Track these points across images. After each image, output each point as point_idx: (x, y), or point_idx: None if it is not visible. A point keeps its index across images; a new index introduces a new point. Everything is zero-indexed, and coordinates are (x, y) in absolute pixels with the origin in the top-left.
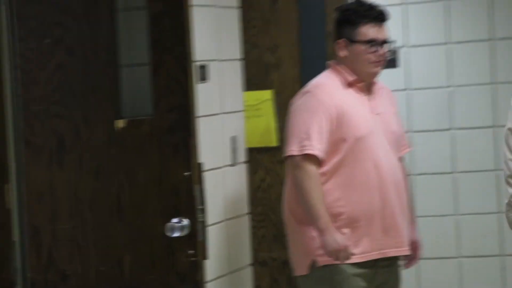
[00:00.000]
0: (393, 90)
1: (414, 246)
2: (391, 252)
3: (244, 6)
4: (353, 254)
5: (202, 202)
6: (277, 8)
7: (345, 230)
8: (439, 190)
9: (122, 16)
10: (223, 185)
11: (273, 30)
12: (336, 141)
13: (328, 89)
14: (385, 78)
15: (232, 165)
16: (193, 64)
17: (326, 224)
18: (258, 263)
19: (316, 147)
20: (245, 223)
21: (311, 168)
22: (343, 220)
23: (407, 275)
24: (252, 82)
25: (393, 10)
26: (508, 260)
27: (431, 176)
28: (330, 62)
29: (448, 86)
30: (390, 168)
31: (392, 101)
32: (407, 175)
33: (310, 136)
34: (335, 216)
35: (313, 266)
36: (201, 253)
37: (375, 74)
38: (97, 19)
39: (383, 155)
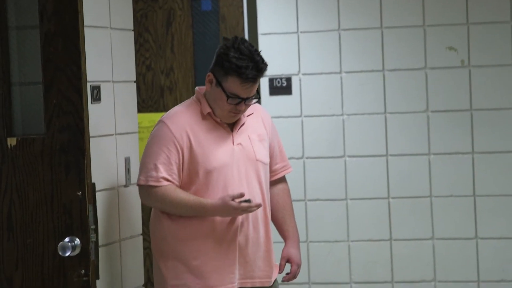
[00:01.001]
0: (287, 117)
1: (291, 261)
2: (247, 284)
3: (139, 29)
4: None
5: (95, 222)
6: (172, 32)
7: (195, 263)
8: (331, 216)
9: (14, 35)
10: (116, 205)
11: (168, 54)
12: (190, 173)
13: (183, 119)
14: (279, 104)
15: (125, 186)
16: (86, 84)
17: (201, 204)
18: (150, 283)
19: (162, 178)
20: (138, 244)
21: (157, 190)
22: (193, 253)
23: None
24: (146, 104)
25: (287, 38)
26: (398, 286)
27: (323, 202)
28: (197, 89)
29: (342, 114)
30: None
31: (266, 125)
32: (287, 194)
33: (158, 167)
34: (184, 252)
35: None
36: (93, 273)
37: (229, 120)
38: None
39: (238, 187)
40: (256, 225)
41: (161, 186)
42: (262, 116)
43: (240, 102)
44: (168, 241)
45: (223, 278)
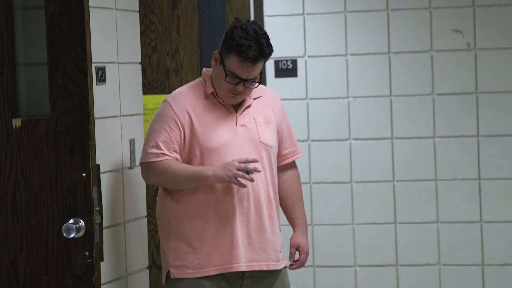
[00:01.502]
0: (292, 99)
1: (299, 250)
2: (240, 267)
3: (144, 10)
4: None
5: (99, 204)
6: (178, 14)
7: (196, 243)
8: (337, 199)
9: (19, 15)
10: (121, 187)
11: (174, 36)
12: (191, 151)
13: (186, 99)
14: (285, 86)
15: (130, 167)
16: (91, 65)
17: (199, 171)
18: (155, 266)
19: (161, 154)
20: (143, 226)
21: (157, 164)
22: (195, 233)
23: (304, 282)
24: (152, 86)
25: (292, 20)
26: (402, 270)
27: (329, 185)
28: (204, 70)
29: (347, 97)
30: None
31: (274, 109)
32: (296, 181)
33: (158, 144)
34: (186, 232)
35: (168, 277)
36: (97, 255)
37: (231, 102)
38: None
39: None
40: (259, 208)
41: (162, 160)
42: (271, 100)
43: (239, 82)
44: (171, 222)
45: (223, 259)
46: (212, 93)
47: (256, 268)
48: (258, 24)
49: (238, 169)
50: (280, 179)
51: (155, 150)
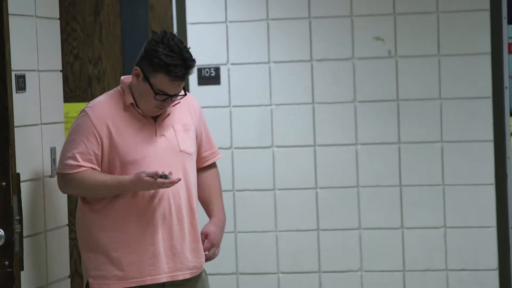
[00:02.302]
0: (216, 107)
1: (207, 238)
2: (162, 278)
3: (66, 18)
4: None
5: (19, 213)
6: (100, 21)
7: (115, 254)
8: (260, 207)
9: None
10: (41, 196)
11: (96, 43)
12: (110, 163)
13: (104, 110)
14: (208, 94)
15: (51, 176)
16: (11, 73)
17: (118, 181)
18: (77, 274)
19: (78, 166)
20: (64, 235)
21: (73, 176)
22: (113, 244)
23: None
24: (74, 93)
25: (215, 28)
26: (325, 276)
27: (252, 192)
28: (122, 78)
29: (270, 104)
30: (167, 191)
31: (192, 113)
32: (215, 176)
33: (75, 156)
34: (105, 243)
35: (87, 286)
36: (17, 264)
37: (154, 114)
38: None
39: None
40: (180, 216)
41: (78, 172)
42: (189, 104)
43: (167, 98)
44: (90, 232)
45: (142, 271)
46: (131, 103)
47: (180, 278)
48: (176, 36)
49: (152, 182)
50: (201, 177)
51: (71, 162)
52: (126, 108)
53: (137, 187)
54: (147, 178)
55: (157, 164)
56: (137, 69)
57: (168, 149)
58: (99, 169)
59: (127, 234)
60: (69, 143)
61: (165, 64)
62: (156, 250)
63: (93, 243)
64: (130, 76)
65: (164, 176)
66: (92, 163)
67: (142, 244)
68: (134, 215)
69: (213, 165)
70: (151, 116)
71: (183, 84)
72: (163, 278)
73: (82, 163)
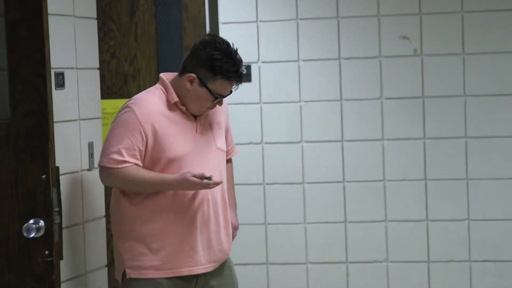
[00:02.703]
0: (247, 103)
1: (232, 223)
2: (198, 270)
3: (103, 18)
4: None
5: (59, 205)
6: (135, 21)
7: (153, 245)
8: (289, 200)
9: None
10: (80, 188)
11: (132, 42)
12: (153, 159)
13: (149, 106)
14: (239, 91)
15: (89, 169)
16: (50, 71)
17: (162, 179)
18: (114, 264)
19: (123, 161)
20: (101, 226)
21: (118, 171)
22: (152, 236)
23: (258, 279)
24: (110, 90)
25: (246, 27)
26: (351, 267)
27: (282, 185)
28: (161, 76)
29: (299, 101)
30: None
31: (223, 111)
32: (229, 171)
33: (120, 151)
34: (143, 234)
35: (124, 276)
36: (57, 254)
37: (201, 113)
38: None
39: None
40: (216, 210)
41: (123, 167)
42: (222, 105)
43: (221, 99)
44: (128, 223)
45: (179, 263)
46: (175, 102)
47: (212, 269)
48: (223, 39)
49: (198, 182)
50: None
51: (117, 157)
52: (170, 105)
53: (181, 186)
54: (193, 178)
55: (197, 160)
56: (192, 76)
57: (207, 146)
58: (141, 165)
59: (166, 226)
60: (114, 138)
61: (226, 71)
62: (194, 243)
63: (130, 234)
64: (170, 73)
65: (208, 178)
66: (136, 159)
67: (181, 237)
68: (174, 209)
69: (230, 160)
70: (195, 114)
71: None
72: (199, 270)
73: (127, 158)
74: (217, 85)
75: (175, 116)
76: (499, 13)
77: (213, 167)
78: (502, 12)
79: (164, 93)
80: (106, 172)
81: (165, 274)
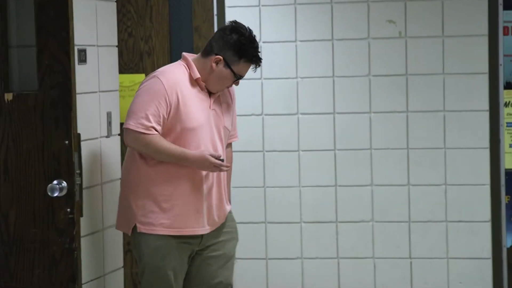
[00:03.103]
0: (249, 79)
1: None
2: (201, 231)
3: (122, 1)
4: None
5: (80, 168)
6: (151, 4)
7: (165, 205)
8: (286, 165)
9: (12, 4)
10: (99, 153)
11: (147, 23)
12: (169, 126)
13: (174, 78)
14: None
15: (107, 136)
16: (74, 47)
17: (184, 155)
18: None
19: (150, 127)
20: (117, 187)
21: (145, 136)
22: (165, 196)
23: (256, 236)
24: (127, 66)
25: (250, 11)
26: (340, 226)
27: (279, 153)
28: (184, 54)
29: (296, 77)
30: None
31: (232, 95)
32: (231, 159)
33: (148, 116)
34: (156, 194)
35: (134, 230)
36: (78, 212)
37: (219, 91)
38: None
39: (208, 146)
40: (218, 180)
41: (149, 134)
42: (230, 88)
43: (239, 79)
44: (141, 182)
45: (186, 223)
46: (198, 78)
47: (210, 230)
48: (249, 28)
49: (214, 162)
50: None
51: (145, 122)
52: (191, 81)
53: (198, 162)
54: (211, 157)
55: (207, 134)
56: (219, 57)
57: (216, 122)
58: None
59: (177, 189)
60: (141, 104)
61: (251, 55)
62: (200, 207)
63: (144, 193)
64: (192, 55)
65: (221, 160)
66: (160, 126)
67: (189, 200)
68: (185, 174)
69: (230, 145)
70: (212, 92)
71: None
72: (202, 231)
73: (154, 124)
74: (240, 67)
75: (195, 91)
76: (475, 1)
77: (219, 142)
78: (477, 0)
79: (186, 69)
80: (133, 135)
81: (172, 232)
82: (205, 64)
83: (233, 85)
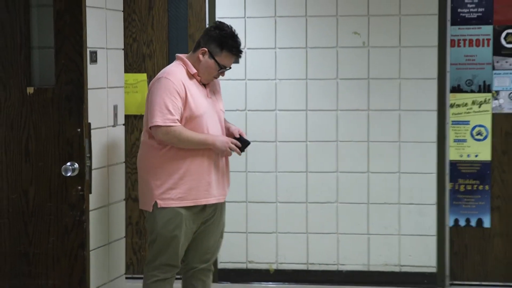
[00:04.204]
0: (235, 80)
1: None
2: (212, 200)
3: (128, 11)
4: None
5: (90, 152)
6: (152, 14)
7: (180, 182)
8: (265, 154)
9: (35, 11)
10: (106, 140)
11: (149, 30)
12: (182, 116)
13: (178, 75)
14: (230, 70)
15: (113, 126)
16: (87, 49)
17: (204, 140)
18: (131, 199)
19: (176, 119)
20: (122, 169)
21: (175, 128)
22: (179, 174)
23: (238, 215)
24: (132, 66)
25: (237, 21)
26: (310, 206)
27: (260, 143)
28: (178, 55)
29: (275, 79)
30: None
31: (218, 85)
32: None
33: (171, 111)
34: (173, 172)
35: (155, 206)
36: (87, 189)
37: (209, 81)
38: (15, 11)
39: (213, 130)
40: (223, 160)
41: (177, 125)
42: (218, 81)
43: (224, 70)
44: (160, 165)
45: (199, 194)
46: (195, 73)
47: (222, 200)
48: (231, 26)
49: (230, 144)
50: None
51: (170, 116)
52: (189, 76)
53: (217, 143)
54: (230, 143)
55: (210, 119)
56: (205, 49)
57: (214, 108)
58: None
59: (190, 168)
60: (161, 102)
61: (231, 46)
62: (210, 180)
63: (161, 174)
64: (184, 54)
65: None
66: (179, 116)
67: (201, 175)
68: (199, 154)
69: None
70: (204, 83)
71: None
72: (212, 200)
73: (177, 116)
74: (222, 57)
75: (195, 83)
76: (427, 17)
77: (219, 124)
78: (429, 16)
79: (184, 67)
80: (163, 130)
81: (188, 204)
82: (195, 57)
83: (220, 77)
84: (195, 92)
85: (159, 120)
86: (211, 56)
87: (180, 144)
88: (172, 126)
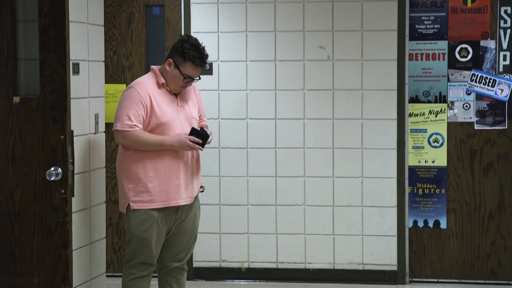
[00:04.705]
0: (209, 90)
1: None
2: (181, 202)
3: (108, 25)
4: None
5: (72, 157)
6: (132, 28)
7: (150, 185)
8: (237, 159)
9: (21, 25)
10: (87, 146)
11: (128, 43)
12: (149, 123)
13: (145, 85)
14: (204, 81)
15: (95, 133)
16: (70, 61)
17: (162, 141)
18: (111, 201)
19: (133, 125)
20: (102, 174)
21: (132, 132)
22: (149, 178)
23: (211, 218)
24: (112, 77)
25: (210, 36)
26: (279, 208)
27: (232, 149)
28: (152, 67)
29: (246, 90)
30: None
31: (195, 92)
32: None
33: (130, 117)
34: (143, 176)
35: (128, 208)
36: (70, 192)
37: (178, 92)
38: (2, 26)
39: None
40: (192, 161)
41: (134, 130)
42: (193, 86)
43: (190, 80)
44: (131, 170)
45: (169, 196)
46: (163, 83)
47: (189, 203)
48: (195, 38)
49: (187, 141)
50: None
51: (128, 122)
52: (159, 86)
53: (176, 144)
54: (185, 137)
55: (178, 126)
56: (170, 60)
57: (185, 115)
58: (143, 129)
59: (160, 171)
60: (124, 109)
61: (193, 57)
62: (179, 182)
63: (133, 177)
64: (158, 66)
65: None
66: (140, 123)
67: (170, 178)
68: (167, 158)
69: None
70: (174, 93)
71: (200, 71)
72: (182, 202)
73: (135, 122)
74: (186, 67)
75: (163, 93)
76: (387, 32)
77: (188, 129)
78: (389, 32)
79: (154, 78)
80: (121, 135)
81: (159, 205)
82: (163, 68)
83: (195, 84)
84: (162, 100)
85: (118, 125)
86: (176, 66)
87: (140, 147)
88: (128, 131)
